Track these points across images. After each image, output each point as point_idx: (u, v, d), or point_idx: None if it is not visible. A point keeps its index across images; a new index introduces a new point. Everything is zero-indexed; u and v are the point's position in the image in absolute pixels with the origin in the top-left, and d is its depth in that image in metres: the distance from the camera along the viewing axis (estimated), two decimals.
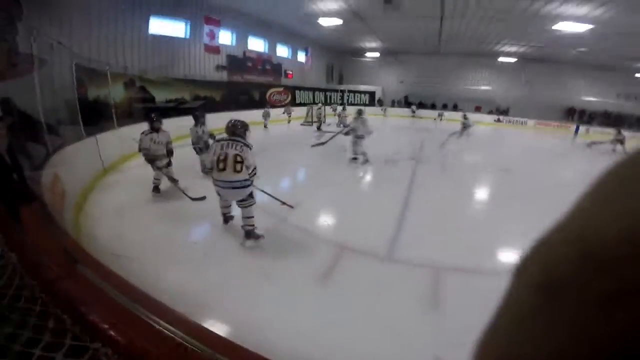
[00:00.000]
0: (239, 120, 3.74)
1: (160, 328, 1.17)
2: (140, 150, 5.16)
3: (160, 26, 12.07)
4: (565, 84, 20.59)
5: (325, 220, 4.58)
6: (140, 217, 4.46)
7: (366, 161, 7.69)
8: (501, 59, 20.45)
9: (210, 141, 5.40)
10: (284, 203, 4.56)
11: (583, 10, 10.65)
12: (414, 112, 22.20)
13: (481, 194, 6.57)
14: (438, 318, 2.63)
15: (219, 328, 2.37)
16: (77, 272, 1.80)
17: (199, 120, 6.32)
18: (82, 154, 5.73)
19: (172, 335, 1.05)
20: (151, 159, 5.10)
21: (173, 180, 5.34)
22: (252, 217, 3.67)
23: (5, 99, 4.04)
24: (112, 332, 1.10)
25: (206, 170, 4.47)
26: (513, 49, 18.48)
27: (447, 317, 2.60)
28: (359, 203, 5.42)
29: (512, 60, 20.38)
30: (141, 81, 10.67)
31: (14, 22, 4.72)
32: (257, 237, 3.70)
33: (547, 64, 19.68)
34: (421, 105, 23.27)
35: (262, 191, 4.48)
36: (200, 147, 6.23)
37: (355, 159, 7.79)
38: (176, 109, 11.41)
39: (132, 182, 5.81)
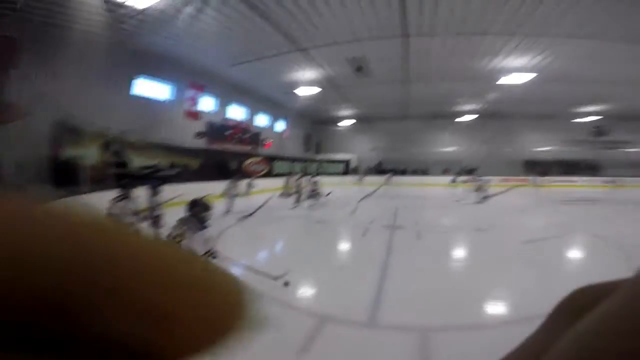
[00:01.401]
0: (195, 200, 3.81)
1: None
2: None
3: (145, 87, 12.20)
4: (520, 137, 22.79)
5: (303, 291, 4.31)
6: None
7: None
8: (461, 118, 22.60)
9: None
10: (275, 278, 4.02)
11: (523, 60, 12.25)
12: (389, 179, 22.46)
13: (458, 253, 6.52)
14: None
15: None
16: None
17: (155, 190, 5.35)
18: None
19: None
20: None
21: None
22: None
23: None
24: None
25: None
26: (470, 107, 20.51)
27: None
28: (336, 270, 5.21)
29: (471, 118, 22.51)
30: (120, 144, 10.34)
31: (7, 69, 4.74)
32: None
33: (501, 120, 21.74)
34: (395, 172, 23.98)
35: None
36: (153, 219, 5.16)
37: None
38: (150, 177, 11.01)
39: None
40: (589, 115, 20.57)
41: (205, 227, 3.68)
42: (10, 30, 6.45)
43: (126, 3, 7.79)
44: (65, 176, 6.96)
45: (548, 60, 12.15)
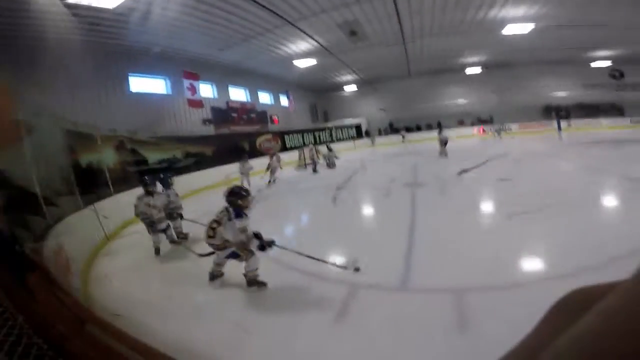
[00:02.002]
0: (235, 188, 3.82)
1: None
2: (137, 215, 5.15)
3: (141, 84, 12.45)
4: (535, 84, 21.62)
5: (333, 259, 4.10)
6: (144, 278, 4.44)
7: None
8: (468, 70, 21.57)
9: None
10: (340, 266, 3.87)
11: (521, 10, 11.61)
12: (403, 137, 22.70)
13: (485, 207, 6.34)
14: (469, 338, 2.47)
15: None
16: (85, 331, 1.81)
17: (167, 184, 5.91)
18: (83, 223, 5.77)
19: None
20: (149, 223, 5.07)
21: (176, 242, 5.38)
22: (254, 269, 3.63)
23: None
24: None
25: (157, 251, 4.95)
26: (475, 59, 19.59)
27: (477, 337, 2.46)
28: (363, 237, 5.21)
29: (478, 70, 21.50)
30: (131, 143, 10.76)
31: None
32: (258, 284, 3.64)
33: (512, 69, 20.60)
34: (408, 130, 23.93)
35: (310, 257, 4.00)
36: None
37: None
38: (170, 169, 11.14)
39: (134, 246, 5.79)
40: (602, 60, 19.34)
41: (241, 216, 3.56)
42: None
43: (92, 4, 7.79)
44: (89, 181, 7.30)
45: (545, 7, 11.44)
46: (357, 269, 3.70)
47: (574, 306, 0.27)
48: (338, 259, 4.03)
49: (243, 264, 3.65)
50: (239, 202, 3.63)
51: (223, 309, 3.40)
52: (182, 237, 5.66)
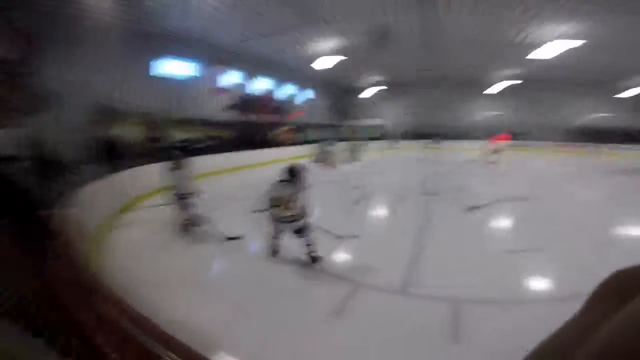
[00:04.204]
0: (295, 165, 4.16)
1: (164, 357, 1.17)
2: (168, 188, 5.17)
3: (171, 66, 12.74)
4: (574, 103, 20.74)
5: (339, 256, 4.49)
6: (159, 254, 4.49)
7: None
8: (503, 84, 20.82)
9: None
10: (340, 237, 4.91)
11: (562, 29, 11.16)
12: (438, 142, 20.85)
13: (500, 224, 6.26)
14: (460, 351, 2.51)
15: None
16: (93, 303, 1.83)
17: (179, 164, 5.31)
18: (102, 192, 5.87)
19: None
20: (180, 197, 5.09)
21: (199, 220, 5.32)
22: (311, 244, 4.03)
23: (28, 138, 4.25)
24: (116, 357, 1.11)
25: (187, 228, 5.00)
26: (514, 72, 18.83)
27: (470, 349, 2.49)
28: (371, 237, 5.29)
29: (512, 83, 20.55)
30: (160, 120, 11.13)
31: (30, 60, 5.00)
32: (319, 259, 4.06)
33: (548, 85, 19.55)
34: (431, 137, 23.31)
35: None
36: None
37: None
38: (189, 149, 11.53)
39: (152, 220, 5.92)
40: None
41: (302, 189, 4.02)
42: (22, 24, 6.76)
43: None
44: (113, 153, 7.49)
45: (594, 26, 10.86)
46: (355, 237, 4.93)
47: (621, 288, 0.24)
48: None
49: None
50: (301, 176, 4.06)
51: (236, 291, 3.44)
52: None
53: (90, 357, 1.20)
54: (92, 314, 1.62)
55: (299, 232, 4.00)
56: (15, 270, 1.41)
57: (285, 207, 3.89)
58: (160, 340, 1.63)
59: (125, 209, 6.62)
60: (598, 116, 20.65)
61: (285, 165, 4.17)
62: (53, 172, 4.71)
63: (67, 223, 3.63)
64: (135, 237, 5.18)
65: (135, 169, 8.07)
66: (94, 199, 5.39)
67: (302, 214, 3.96)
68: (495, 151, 14.53)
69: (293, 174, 4.05)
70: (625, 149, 18.31)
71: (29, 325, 1.19)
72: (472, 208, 5.59)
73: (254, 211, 5.48)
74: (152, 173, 7.71)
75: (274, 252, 4.32)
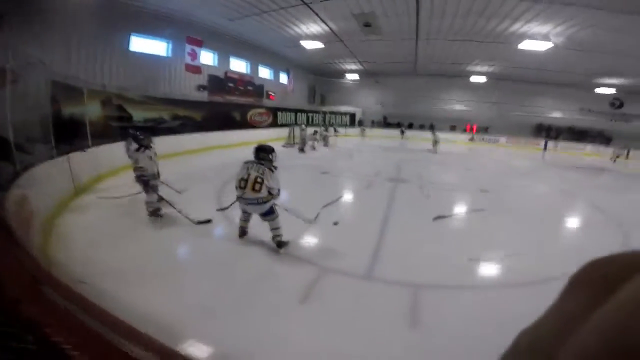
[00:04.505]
0: (264, 145, 4.06)
1: (127, 351, 1.13)
2: (135, 169, 4.86)
3: (142, 44, 12.10)
4: (534, 101, 22.14)
5: (306, 241, 4.50)
6: (114, 239, 4.23)
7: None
8: (473, 78, 21.49)
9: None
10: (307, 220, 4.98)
11: (545, 28, 11.56)
12: (403, 132, 22.59)
13: (459, 210, 6.51)
14: (418, 335, 2.62)
15: (198, 349, 2.32)
16: (42, 294, 1.72)
17: (143, 143, 4.98)
18: (54, 173, 5.45)
19: (140, 359, 1.01)
20: (147, 179, 4.79)
21: (165, 201, 5.12)
22: (278, 228, 3.95)
23: None
24: (75, 354, 1.05)
25: (157, 213, 4.82)
26: (484, 68, 19.61)
27: (427, 335, 2.61)
28: (339, 223, 5.32)
29: (483, 79, 21.44)
30: (119, 99, 10.48)
31: None
32: (285, 244, 3.98)
33: (516, 83, 21.07)
34: (399, 125, 24.02)
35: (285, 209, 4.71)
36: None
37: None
38: (154, 129, 10.90)
39: (106, 203, 5.61)
40: (607, 87, 19.48)
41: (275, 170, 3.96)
42: None
43: None
44: (69, 132, 7.07)
45: (569, 30, 11.38)
46: (335, 223, 4.97)
47: (604, 276, 0.23)
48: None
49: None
50: (270, 157, 3.97)
51: (198, 278, 3.36)
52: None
53: (47, 356, 1.13)
54: (46, 307, 1.53)
55: (265, 214, 3.90)
56: None
57: (251, 189, 3.76)
58: (123, 333, 1.58)
59: (82, 191, 6.24)
60: (554, 115, 22.21)
61: (254, 146, 4.09)
62: (2, 151, 4.33)
63: (17, 206, 3.38)
64: (92, 222, 4.86)
65: (94, 148, 7.64)
66: (47, 181, 5.03)
67: (268, 197, 3.84)
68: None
69: (259, 156, 3.95)
70: (571, 147, 20.41)
71: None
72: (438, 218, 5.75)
73: (219, 209, 5.32)
74: (113, 153, 7.45)
75: (242, 233, 4.24)
